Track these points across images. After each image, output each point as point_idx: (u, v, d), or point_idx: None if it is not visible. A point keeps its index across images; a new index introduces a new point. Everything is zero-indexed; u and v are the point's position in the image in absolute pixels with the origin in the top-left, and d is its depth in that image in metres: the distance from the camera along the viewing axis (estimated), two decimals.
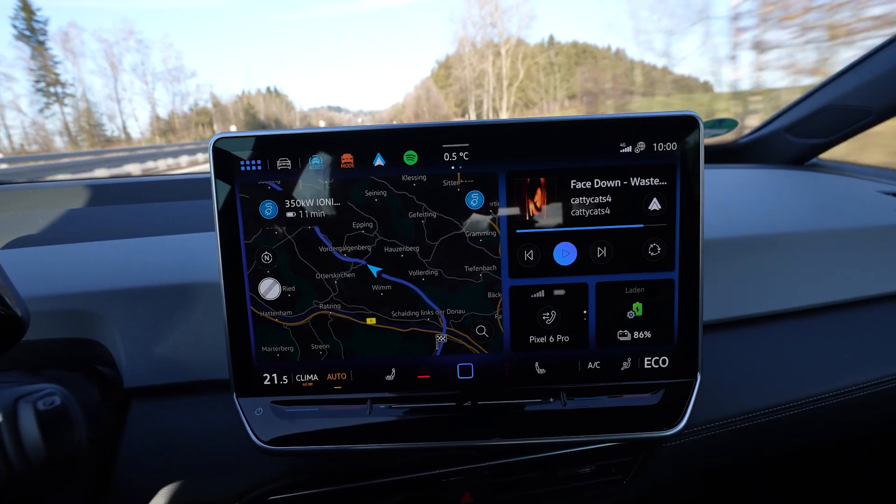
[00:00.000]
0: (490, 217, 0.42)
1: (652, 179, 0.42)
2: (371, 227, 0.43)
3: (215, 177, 0.42)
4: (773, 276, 0.62)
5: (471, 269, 0.43)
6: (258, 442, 0.43)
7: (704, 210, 0.42)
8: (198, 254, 0.56)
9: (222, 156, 0.42)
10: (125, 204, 0.72)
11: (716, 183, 0.86)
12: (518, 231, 0.42)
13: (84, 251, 0.58)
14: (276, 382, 0.44)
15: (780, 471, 0.89)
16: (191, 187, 0.75)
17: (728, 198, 0.77)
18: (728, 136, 1.20)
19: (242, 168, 0.42)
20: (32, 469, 0.28)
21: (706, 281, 0.58)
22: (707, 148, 1.26)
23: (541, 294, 0.43)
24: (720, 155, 1.16)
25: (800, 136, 1.04)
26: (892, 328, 0.63)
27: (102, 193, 0.74)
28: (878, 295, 0.64)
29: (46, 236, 0.61)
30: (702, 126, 0.41)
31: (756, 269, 0.61)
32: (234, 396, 0.44)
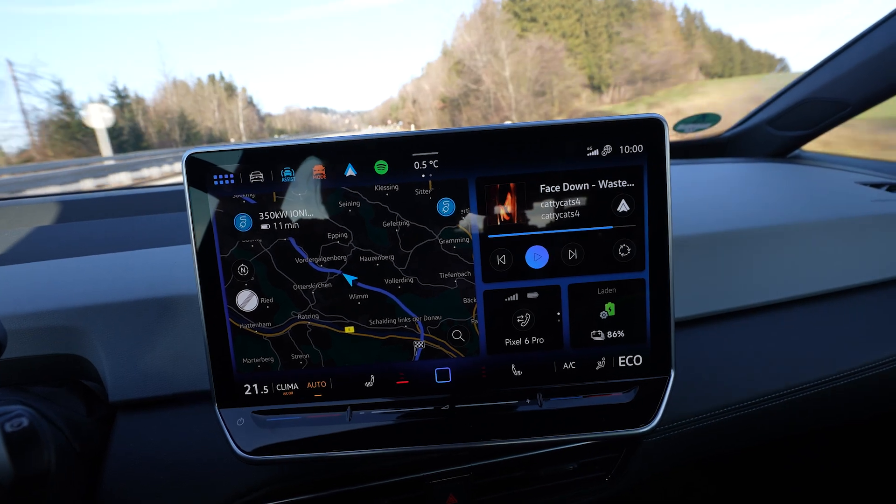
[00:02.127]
0: (462, 223, 0.43)
1: (619, 181, 0.43)
2: (346, 237, 0.43)
3: (189, 192, 0.42)
4: (753, 270, 0.63)
5: (445, 276, 0.44)
6: (240, 452, 0.43)
7: (672, 209, 0.43)
8: (177, 267, 0.56)
9: (195, 170, 0.42)
10: (102, 218, 0.72)
11: (698, 178, 0.87)
12: (490, 236, 0.43)
13: (63, 267, 0.58)
14: (256, 392, 0.45)
15: (763, 460, 0.90)
16: (167, 199, 0.76)
17: (711, 193, 0.78)
18: (711, 131, 1.21)
19: (215, 182, 0.42)
20: (1, 490, 0.29)
21: (684, 278, 0.59)
22: (692, 143, 1.28)
23: (514, 297, 0.44)
24: (705, 149, 1.17)
25: (781, 128, 1.05)
26: (866, 318, 0.64)
27: (79, 208, 0.74)
28: (855, 286, 0.65)
29: (25, 253, 0.62)
30: (667, 128, 0.42)
31: (733, 265, 0.62)
32: (216, 407, 0.45)
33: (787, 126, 1.04)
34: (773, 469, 0.90)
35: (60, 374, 0.54)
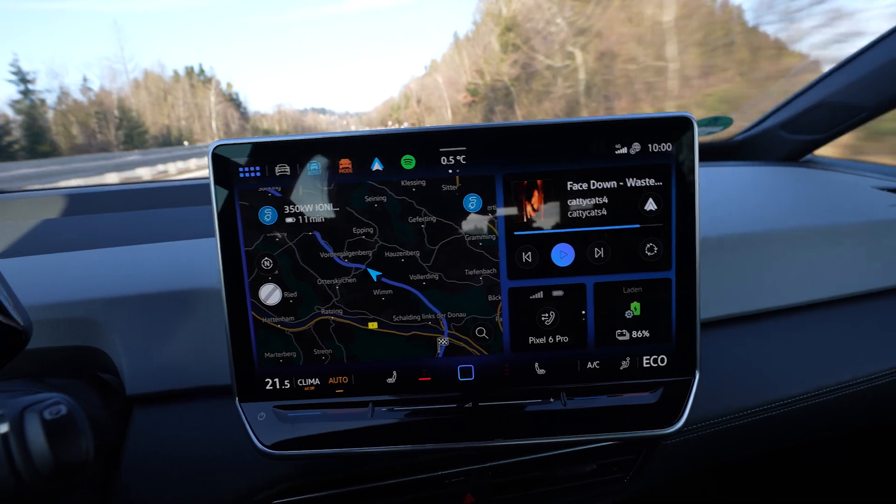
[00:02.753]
0: (488, 220, 0.43)
1: (647, 180, 0.42)
2: (371, 232, 0.43)
3: (214, 184, 0.42)
4: (769, 274, 0.62)
5: (471, 273, 0.43)
6: (261, 446, 0.43)
7: (700, 209, 0.43)
8: (198, 260, 0.56)
9: (221, 163, 0.42)
10: (125, 211, 0.72)
11: (711, 181, 0.87)
12: (516, 233, 0.43)
13: (84, 259, 0.58)
14: (277, 387, 0.44)
15: (781, 466, 0.90)
16: (191, 193, 0.75)
17: (723, 196, 0.78)
18: (723, 134, 1.21)
19: (241, 175, 0.42)
20: (40, 479, 0.28)
21: (703, 279, 0.59)
22: (702, 146, 1.28)
23: (539, 295, 0.44)
24: (716, 152, 1.16)
25: (794, 132, 1.04)
26: (888, 323, 0.63)
27: (102, 200, 0.74)
28: (874, 290, 0.65)
29: (46, 244, 0.61)
30: (696, 126, 0.42)
31: (752, 267, 0.62)
32: (237, 401, 0.44)
33: (800, 130, 1.03)
34: (794, 474, 0.90)
35: (77, 367, 0.53)
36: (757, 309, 0.61)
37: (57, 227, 0.67)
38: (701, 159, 0.42)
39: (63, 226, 0.68)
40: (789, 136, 1.06)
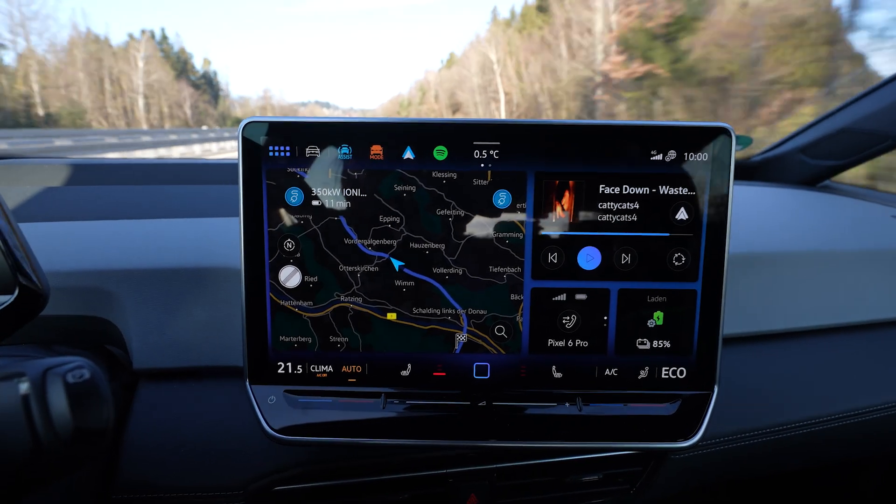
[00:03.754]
0: (516, 217, 0.42)
1: (681, 189, 0.42)
2: (398, 221, 0.42)
3: (242, 160, 0.41)
4: (787, 294, 0.62)
5: (495, 270, 0.43)
6: (269, 430, 0.42)
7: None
8: (218, 238, 0.55)
9: (251, 140, 0.41)
10: (150, 185, 0.71)
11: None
12: (543, 233, 0.42)
13: (104, 229, 0.57)
14: (290, 371, 0.44)
15: (789, 487, 0.89)
16: (217, 172, 0.75)
17: (743, 214, 0.77)
18: (742, 154, 1.20)
19: (271, 153, 0.42)
20: (59, 443, 0.28)
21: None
22: None
23: (562, 297, 0.43)
24: (735, 171, 1.16)
25: (815, 157, 1.04)
26: None
27: (128, 173, 0.74)
28: (891, 319, 0.64)
29: (68, 212, 0.61)
30: (734, 138, 0.41)
31: (770, 286, 0.61)
32: (247, 383, 0.44)
33: (821, 155, 1.03)
34: (807, 496, 0.89)
35: (85, 337, 0.53)
36: (773, 329, 0.61)
37: (80, 196, 0.67)
38: None
39: (87, 195, 0.67)
40: (809, 161, 1.05)
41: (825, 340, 0.62)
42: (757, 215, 0.79)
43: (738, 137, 1.26)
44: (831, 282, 0.63)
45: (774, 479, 0.87)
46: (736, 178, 1.26)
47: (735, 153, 0.42)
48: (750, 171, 1.15)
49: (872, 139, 0.91)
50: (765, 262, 0.62)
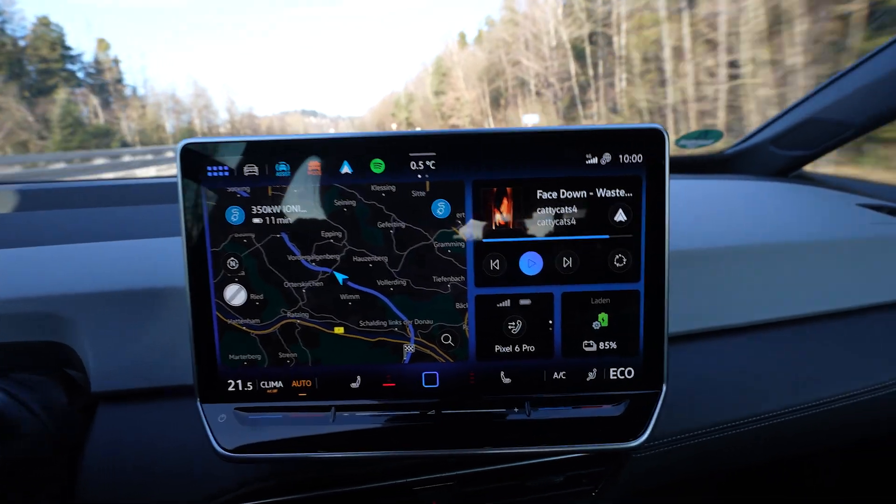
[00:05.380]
0: (456, 226, 0.43)
1: (618, 191, 0.42)
2: (340, 236, 0.43)
3: (182, 182, 0.42)
4: (744, 289, 0.62)
5: (439, 280, 0.43)
6: (220, 449, 0.43)
7: (671, 222, 0.43)
8: (167, 258, 0.56)
9: (189, 161, 0.42)
10: (93, 207, 0.71)
11: (696, 194, 0.87)
12: (484, 240, 0.43)
13: (52, 254, 0.58)
14: (240, 389, 0.44)
15: (754, 482, 0.89)
16: (160, 191, 0.75)
17: (707, 209, 0.78)
18: (714, 147, 1.21)
19: (209, 174, 0.42)
20: None
21: (678, 292, 0.58)
22: (694, 158, 1.28)
23: (506, 303, 0.43)
24: (708, 165, 1.17)
25: (784, 147, 1.04)
26: (861, 342, 0.63)
27: (69, 196, 0.74)
28: (851, 308, 0.65)
29: (12, 239, 0.61)
30: (667, 139, 0.42)
31: (729, 281, 0.62)
32: (198, 402, 0.44)
33: (789, 145, 1.03)
34: (770, 492, 0.89)
35: (42, 362, 0.53)
36: (734, 324, 0.61)
37: (23, 222, 0.67)
38: (691, 171, 0.42)
39: (30, 220, 0.67)
40: (779, 152, 1.06)
41: (785, 333, 0.62)
42: (724, 208, 0.79)
43: (708, 132, 1.26)
44: (791, 273, 0.64)
45: (743, 475, 0.87)
46: (711, 171, 1.26)
47: (670, 152, 0.42)
48: (723, 164, 1.16)
49: (837, 128, 0.91)
50: (726, 256, 0.63)
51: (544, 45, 22.32)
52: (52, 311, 0.51)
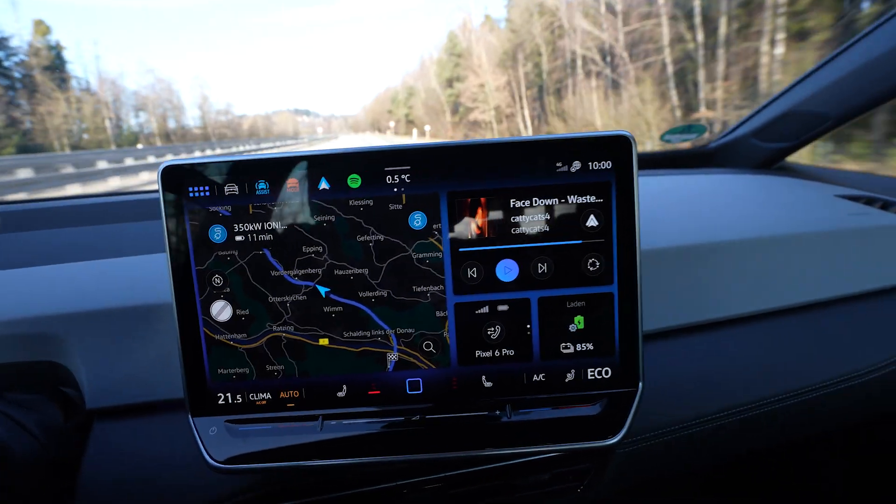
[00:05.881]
0: (433, 237, 0.44)
1: (588, 197, 0.43)
2: (321, 250, 0.44)
3: (164, 203, 0.43)
4: (721, 284, 0.63)
5: (418, 290, 0.44)
6: (211, 461, 0.44)
7: (652, 220, 0.44)
8: (156, 275, 0.57)
9: (171, 182, 0.43)
10: (77, 226, 0.72)
11: (679, 189, 0.88)
12: (461, 249, 0.44)
13: (40, 274, 0.59)
14: (230, 401, 0.45)
15: (739, 475, 0.91)
16: (146, 207, 0.76)
17: (689, 205, 0.79)
18: (698, 141, 1.22)
19: (191, 194, 0.43)
20: None
21: (658, 290, 0.60)
22: (679, 152, 1.29)
23: (485, 310, 0.45)
24: (692, 159, 1.18)
25: (765, 140, 1.06)
26: (837, 331, 0.65)
27: (54, 215, 0.75)
28: (826, 299, 0.66)
29: (2, 260, 0.62)
30: (634, 145, 0.43)
31: (706, 277, 0.63)
32: (189, 416, 0.45)
33: (771, 138, 1.05)
34: (757, 483, 0.91)
35: (38, 381, 0.54)
36: (712, 318, 0.62)
37: (11, 243, 0.68)
38: (676, 166, 0.43)
39: (17, 241, 0.68)
40: (761, 144, 1.07)
41: (760, 326, 0.63)
42: (705, 203, 0.80)
43: (691, 126, 1.27)
44: (767, 267, 0.65)
45: (725, 468, 0.89)
46: (695, 165, 1.27)
47: (636, 158, 0.43)
48: (707, 158, 1.17)
49: (814, 120, 0.93)
50: (701, 252, 0.64)
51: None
52: (44, 331, 0.52)
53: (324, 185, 0.43)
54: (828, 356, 0.62)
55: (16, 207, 0.77)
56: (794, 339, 0.63)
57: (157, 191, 0.44)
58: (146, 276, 0.57)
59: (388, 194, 0.43)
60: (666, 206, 0.76)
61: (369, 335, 0.45)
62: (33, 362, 0.52)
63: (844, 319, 0.66)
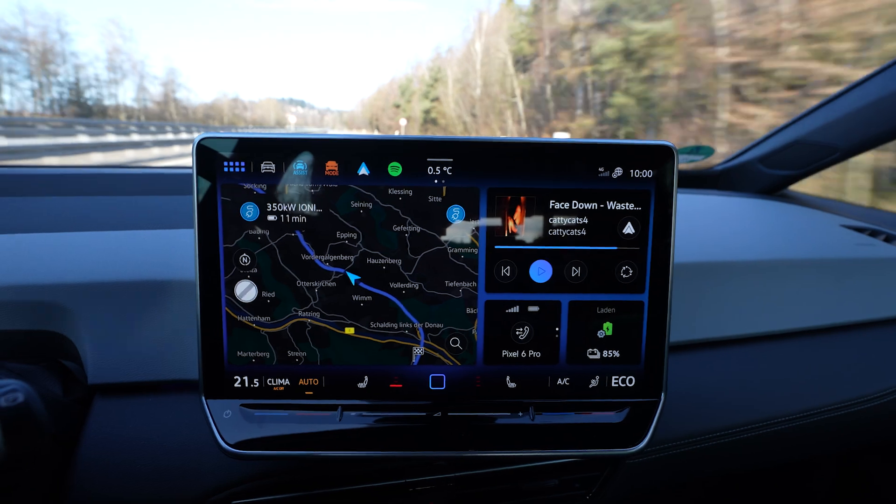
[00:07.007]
0: (470, 232, 0.43)
1: (627, 204, 0.43)
2: (355, 237, 0.43)
3: (197, 177, 0.41)
4: (737, 302, 0.64)
5: (451, 284, 0.44)
6: (225, 445, 0.42)
7: (676, 235, 0.44)
8: (174, 250, 0.55)
9: (205, 155, 0.42)
10: (102, 195, 0.70)
11: (688, 207, 0.89)
12: (496, 247, 0.43)
13: (56, 241, 0.56)
14: (246, 385, 0.44)
15: (746, 489, 0.92)
16: (173, 182, 0.74)
17: (697, 223, 0.80)
18: (704, 163, 1.25)
19: (226, 169, 0.42)
20: None
21: (675, 303, 0.60)
22: (683, 173, 1.31)
23: (515, 310, 0.44)
24: (696, 180, 1.20)
25: (771, 167, 1.08)
26: (845, 356, 0.66)
27: (79, 183, 0.72)
28: (835, 325, 0.67)
29: (17, 224, 0.60)
30: (677, 155, 0.43)
31: (721, 295, 0.64)
32: (203, 398, 0.44)
33: (777, 165, 1.07)
34: (756, 499, 0.92)
35: (39, 352, 0.52)
36: (723, 336, 0.63)
37: (30, 208, 0.66)
38: (681, 186, 0.44)
39: (36, 206, 0.66)
40: (766, 170, 1.10)
41: (771, 346, 0.64)
42: (713, 225, 0.82)
43: (700, 148, 1.29)
44: (778, 289, 0.66)
45: (731, 482, 0.90)
46: (700, 186, 1.29)
47: (678, 169, 0.43)
48: (712, 180, 1.19)
49: (822, 151, 0.95)
50: (716, 271, 0.65)
51: None
52: (49, 299, 0.50)
53: (363, 170, 0.42)
54: (830, 381, 0.64)
55: (40, 171, 0.74)
56: (805, 361, 0.64)
57: (183, 167, 0.42)
58: (164, 250, 0.55)
59: (428, 185, 0.43)
60: (680, 223, 0.77)
61: (397, 327, 0.44)
62: (35, 331, 0.50)
63: (854, 344, 0.67)
